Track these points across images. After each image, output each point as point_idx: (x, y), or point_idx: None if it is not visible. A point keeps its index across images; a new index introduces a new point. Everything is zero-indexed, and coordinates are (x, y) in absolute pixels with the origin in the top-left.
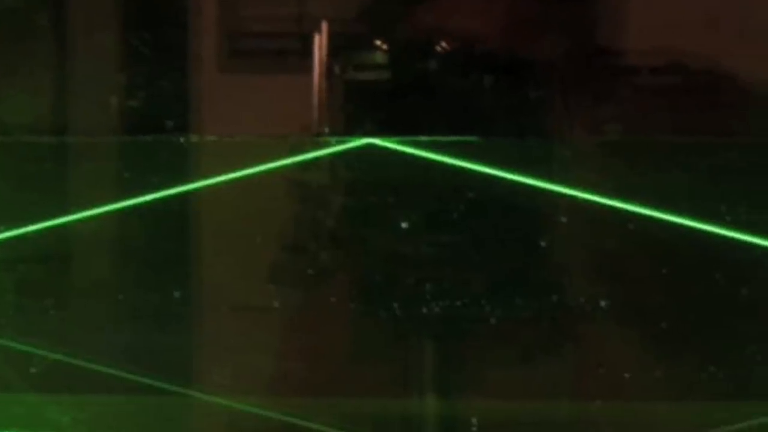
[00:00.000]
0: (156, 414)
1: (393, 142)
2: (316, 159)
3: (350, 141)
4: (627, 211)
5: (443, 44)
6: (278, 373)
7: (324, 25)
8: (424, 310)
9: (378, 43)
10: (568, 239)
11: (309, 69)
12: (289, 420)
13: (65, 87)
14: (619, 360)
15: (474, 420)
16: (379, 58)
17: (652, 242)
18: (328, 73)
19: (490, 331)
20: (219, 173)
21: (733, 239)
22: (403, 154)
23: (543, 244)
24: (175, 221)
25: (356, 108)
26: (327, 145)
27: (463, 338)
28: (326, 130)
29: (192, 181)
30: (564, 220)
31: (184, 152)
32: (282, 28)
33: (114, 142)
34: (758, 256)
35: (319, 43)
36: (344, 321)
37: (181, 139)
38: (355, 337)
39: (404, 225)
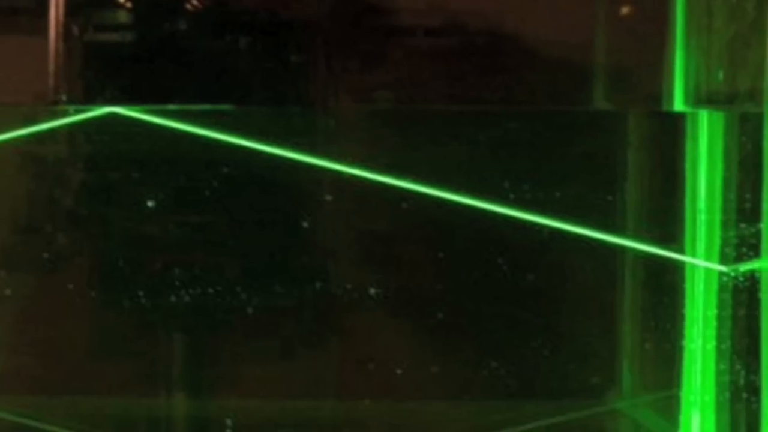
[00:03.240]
0: None
1: (138, 111)
2: (53, 130)
3: (90, 110)
4: (399, 189)
5: (194, 1)
6: (8, 368)
7: None
8: (173, 299)
9: (121, 0)
10: (334, 220)
11: (44, 29)
12: (20, 421)
13: None
14: (390, 354)
15: (228, 421)
16: (123, 17)
17: (428, 223)
18: (66, 34)
19: (246, 322)
20: None
21: (517, 220)
22: (150, 124)
23: (305, 225)
24: None
25: (97, 73)
26: (64, 114)
27: (216, 330)
28: (63, 97)
29: None
30: (329, 198)
31: None
32: None
33: None
34: (546, 238)
35: (56, 1)
36: (83, 311)
37: None
38: (95, 329)
39: (150, 203)
